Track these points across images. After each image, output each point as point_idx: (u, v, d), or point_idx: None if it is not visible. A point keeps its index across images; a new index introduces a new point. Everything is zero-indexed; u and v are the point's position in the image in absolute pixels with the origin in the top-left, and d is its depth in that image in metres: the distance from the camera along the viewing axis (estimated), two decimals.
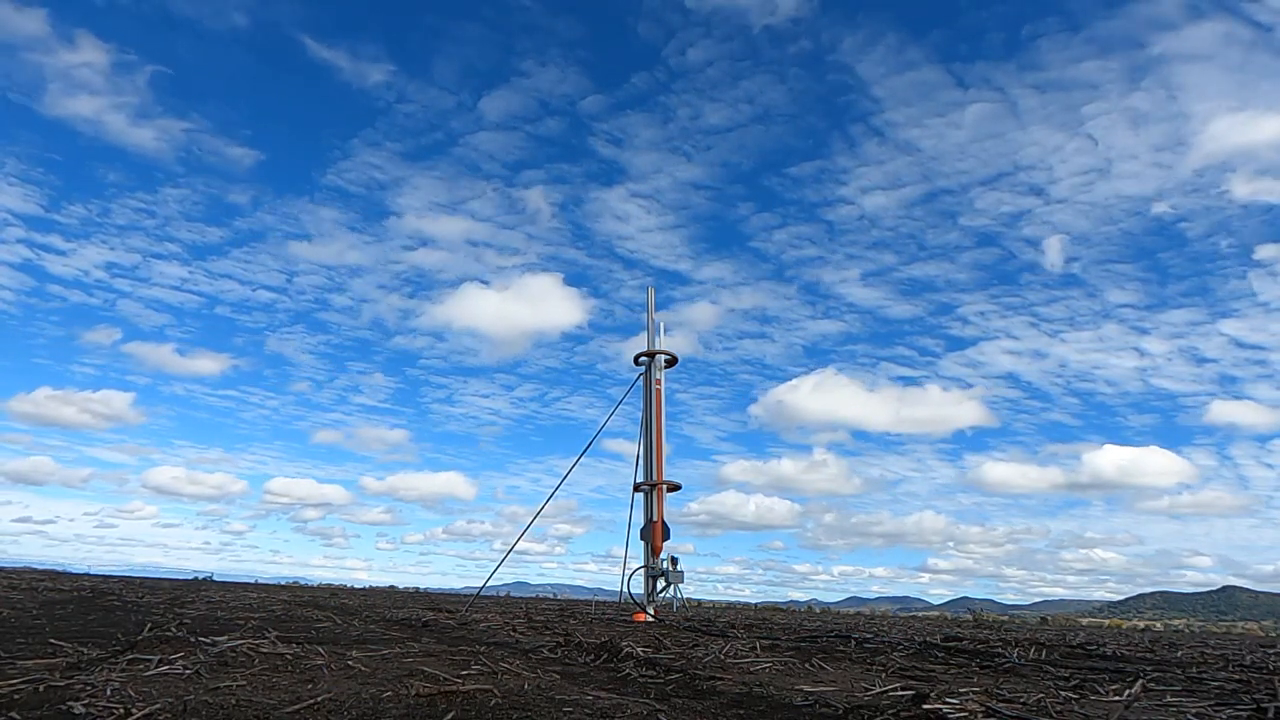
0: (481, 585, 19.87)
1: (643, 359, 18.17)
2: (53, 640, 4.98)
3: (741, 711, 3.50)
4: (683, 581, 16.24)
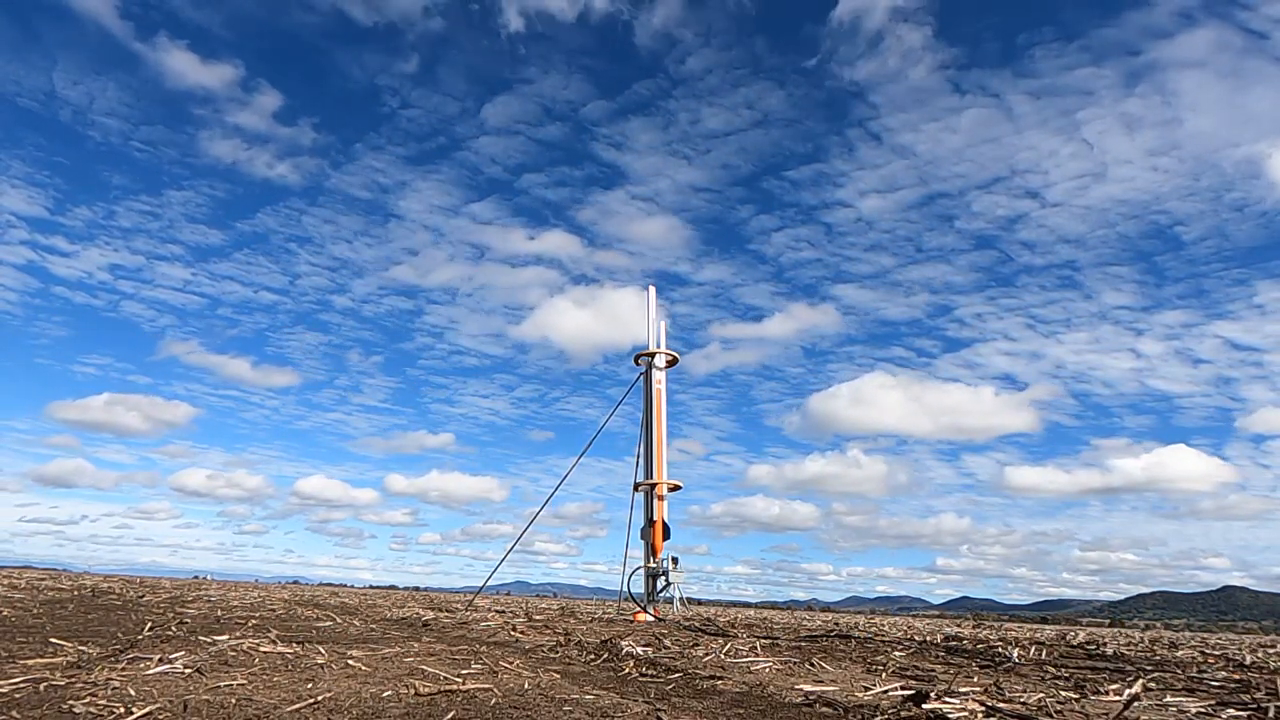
0: (481, 585, 19.89)
1: (643, 359, 18.18)
2: (53, 639, 4.99)
3: (742, 711, 3.50)
4: (683, 581, 16.27)
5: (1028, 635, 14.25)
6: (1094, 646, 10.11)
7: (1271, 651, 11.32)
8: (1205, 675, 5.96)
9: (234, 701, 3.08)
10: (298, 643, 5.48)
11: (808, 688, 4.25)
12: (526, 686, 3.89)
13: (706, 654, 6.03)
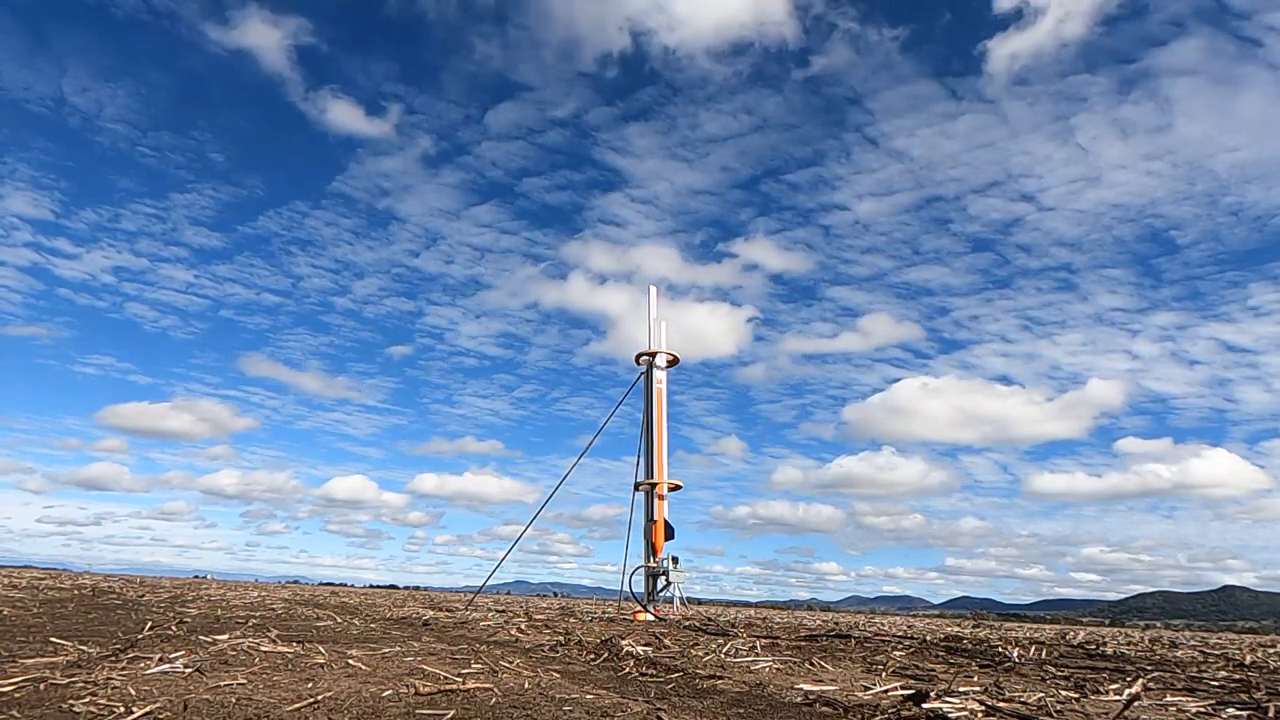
0: (482, 584, 19.90)
1: (644, 358, 18.18)
2: (53, 638, 4.99)
3: (742, 710, 3.50)
4: (683, 581, 16.27)
5: (1028, 635, 14.25)
6: (1094, 646, 10.11)
7: (1271, 651, 11.32)
8: (1205, 675, 5.96)
9: (234, 701, 3.09)
10: (298, 642, 5.48)
11: (808, 687, 4.25)
12: (526, 686, 3.89)
13: (706, 653, 6.03)
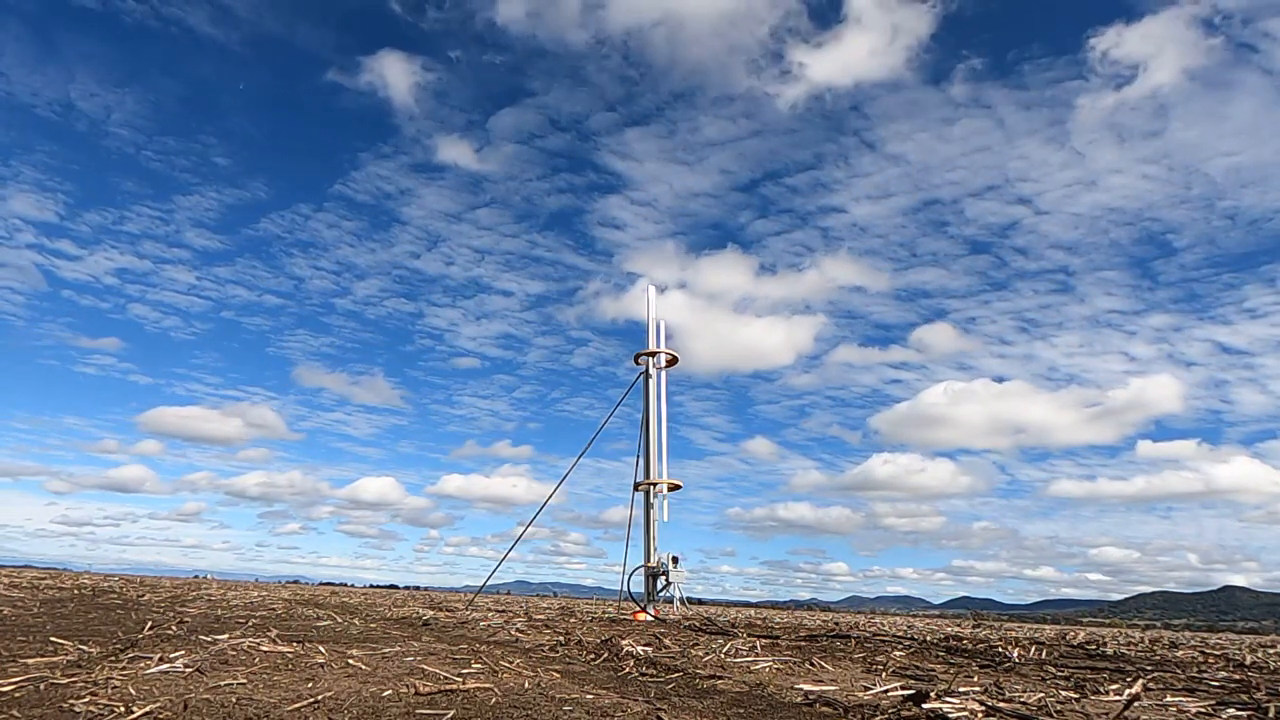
0: (482, 584, 19.90)
1: (643, 358, 18.18)
2: (54, 638, 4.99)
3: (742, 710, 3.50)
4: (683, 580, 16.27)
5: (1028, 635, 14.24)
6: (1094, 646, 10.11)
7: (1271, 651, 11.32)
8: (1205, 675, 5.96)
9: (234, 701, 3.08)
10: (298, 642, 5.48)
11: (808, 687, 4.25)
12: (526, 686, 3.89)
13: (706, 653, 6.03)
